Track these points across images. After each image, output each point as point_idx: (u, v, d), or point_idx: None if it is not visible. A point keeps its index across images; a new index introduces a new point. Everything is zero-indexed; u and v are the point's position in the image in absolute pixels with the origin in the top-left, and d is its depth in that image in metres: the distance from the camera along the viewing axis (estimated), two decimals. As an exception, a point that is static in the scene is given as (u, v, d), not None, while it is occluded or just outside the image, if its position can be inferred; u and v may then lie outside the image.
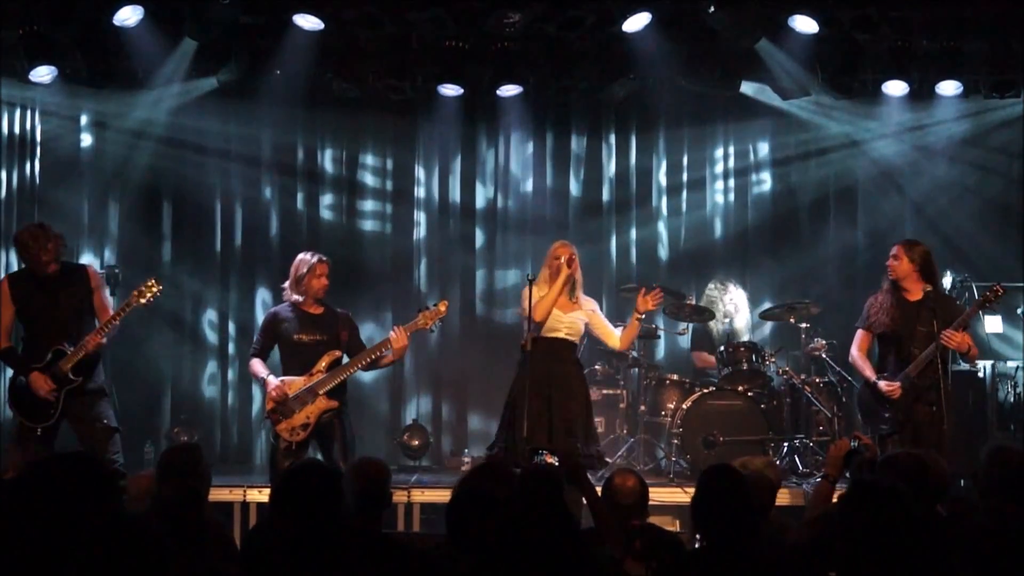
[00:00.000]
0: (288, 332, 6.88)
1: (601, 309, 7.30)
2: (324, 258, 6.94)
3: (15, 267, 8.93)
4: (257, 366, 6.89)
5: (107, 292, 6.54)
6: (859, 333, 7.04)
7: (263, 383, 6.84)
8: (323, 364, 6.77)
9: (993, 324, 9.13)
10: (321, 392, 6.73)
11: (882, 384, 6.77)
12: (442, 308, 6.94)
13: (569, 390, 6.76)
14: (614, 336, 7.04)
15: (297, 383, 6.71)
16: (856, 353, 7.02)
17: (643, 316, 6.99)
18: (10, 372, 6.86)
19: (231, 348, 9.76)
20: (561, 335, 6.80)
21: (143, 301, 6.48)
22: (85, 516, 3.02)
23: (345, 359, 6.92)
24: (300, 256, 7.00)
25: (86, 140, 9.53)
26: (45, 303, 6.41)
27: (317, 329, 6.88)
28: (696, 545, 4.12)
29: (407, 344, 6.82)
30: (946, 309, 6.74)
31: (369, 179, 10.02)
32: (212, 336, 9.81)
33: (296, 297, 6.91)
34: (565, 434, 6.60)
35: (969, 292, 8.87)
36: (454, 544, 3.74)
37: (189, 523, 3.99)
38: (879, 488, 3.34)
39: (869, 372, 6.89)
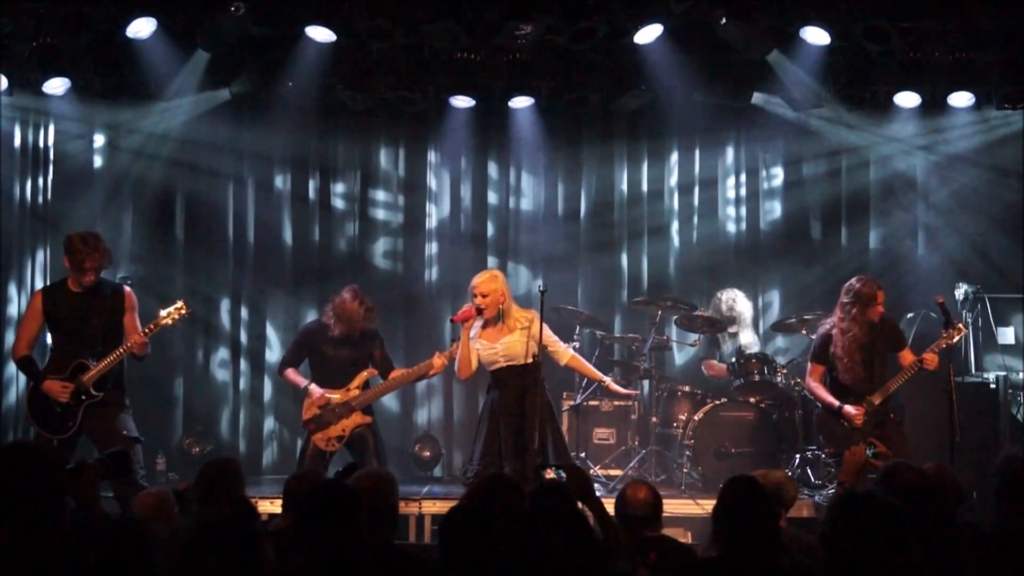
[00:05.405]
0: (323, 349, 7.37)
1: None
2: (372, 305, 7.44)
3: (30, 276, 9.08)
4: (295, 375, 7.48)
5: (138, 315, 6.61)
6: (814, 367, 7.38)
7: (305, 391, 7.32)
8: (359, 381, 7.27)
9: (1005, 336, 9.10)
10: (357, 407, 7.23)
11: (849, 409, 7.13)
12: None
13: (523, 412, 6.70)
14: (559, 352, 7.02)
15: (335, 397, 7.06)
16: (814, 384, 7.39)
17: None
18: (27, 384, 6.88)
19: (243, 360, 9.77)
20: (501, 365, 6.82)
21: (169, 322, 6.58)
22: (25, 506, 3.07)
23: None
24: (352, 298, 7.37)
25: (99, 151, 9.55)
26: (76, 317, 6.46)
27: (351, 348, 7.36)
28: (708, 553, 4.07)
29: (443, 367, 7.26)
30: (897, 333, 7.38)
31: (381, 191, 10.02)
32: (224, 347, 9.81)
33: (338, 330, 7.32)
34: (521, 452, 6.60)
35: (982, 303, 8.85)
36: (445, 559, 3.74)
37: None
38: (863, 499, 3.30)
39: (832, 399, 7.24)
